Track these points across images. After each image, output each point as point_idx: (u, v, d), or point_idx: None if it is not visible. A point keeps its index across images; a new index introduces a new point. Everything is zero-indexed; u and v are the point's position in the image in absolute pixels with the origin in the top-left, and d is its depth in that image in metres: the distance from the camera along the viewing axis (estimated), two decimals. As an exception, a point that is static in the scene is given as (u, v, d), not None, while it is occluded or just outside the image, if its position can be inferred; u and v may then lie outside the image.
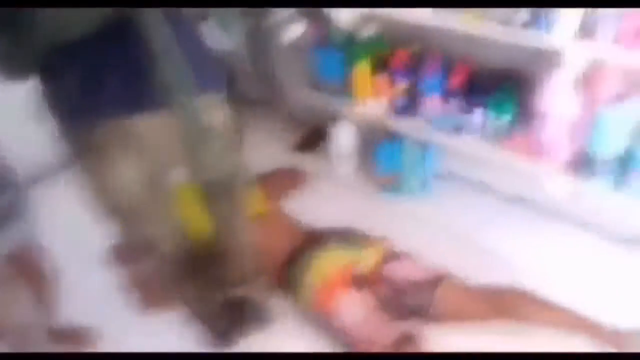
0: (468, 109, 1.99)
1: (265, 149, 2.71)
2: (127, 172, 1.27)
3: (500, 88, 1.95)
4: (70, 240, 2.13)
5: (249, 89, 2.81)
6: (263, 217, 2.05)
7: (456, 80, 1.96)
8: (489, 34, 1.76)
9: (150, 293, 1.96)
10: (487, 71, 2.03)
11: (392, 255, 1.97)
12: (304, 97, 2.53)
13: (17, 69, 1.15)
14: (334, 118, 2.53)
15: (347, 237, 2.06)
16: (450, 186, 2.44)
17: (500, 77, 1.99)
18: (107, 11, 1.10)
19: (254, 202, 1.82)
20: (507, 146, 1.95)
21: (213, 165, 1.43)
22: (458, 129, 2.05)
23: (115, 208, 1.35)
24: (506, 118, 1.92)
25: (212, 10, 2.30)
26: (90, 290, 2.02)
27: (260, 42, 2.62)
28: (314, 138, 2.79)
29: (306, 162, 2.70)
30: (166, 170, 1.40)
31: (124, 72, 1.18)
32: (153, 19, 1.13)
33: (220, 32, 2.40)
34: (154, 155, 1.29)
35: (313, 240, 2.06)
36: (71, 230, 2.14)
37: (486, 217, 2.26)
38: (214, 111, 1.36)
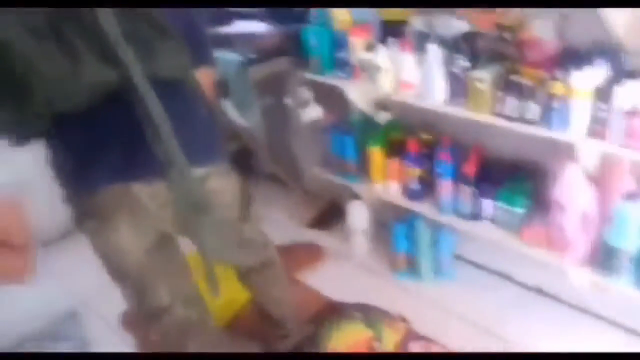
0: (479, 198, 1.96)
1: (281, 224, 2.72)
2: (128, 237, 1.27)
3: (512, 178, 1.93)
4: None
5: (266, 165, 2.85)
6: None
7: (468, 168, 1.95)
8: (500, 124, 1.76)
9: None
10: (499, 161, 2.02)
11: (412, 337, 1.95)
12: (319, 175, 2.55)
13: (16, 135, 1.15)
14: (349, 197, 2.53)
15: (369, 312, 2.05)
16: (468, 272, 2.38)
17: (512, 167, 1.97)
18: (108, 81, 1.12)
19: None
20: (523, 236, 1.91)
21: (215, 238, 1.41)
22: (472, 216, 2.03)
23: (119, 272, 1.34)
24: (518, 209, 1.89)
25: (231, 90, 2.38)
26: None
27: (278, 121, 2.68)
28: (329, 215, 2.80)
29: (322, 238, 2.70)
30: (172, 238, 1.39)
31: (124, 140, 1.19)
32: (149, 91, 1.14)
33: (238, 110, 2.48)
34: (156, 222, 1.30)
35: (334, 310, 2.06)
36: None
37: (505, 305, 2.18)
38: (214, 184, 1.36)
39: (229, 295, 1.89)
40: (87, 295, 2.47)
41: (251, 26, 2.47)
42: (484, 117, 1.78)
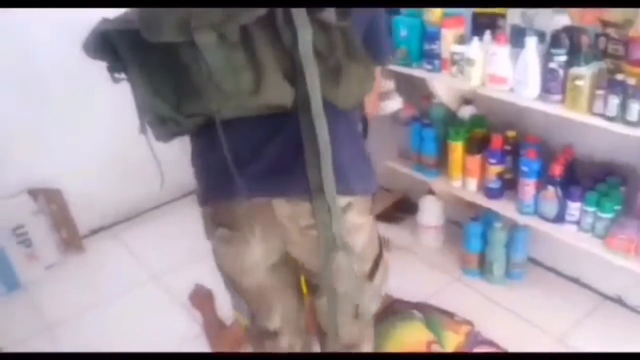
0: (566, 200, 1.91)
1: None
2: (258, 252, 1.22)
3: (603, 182, 1.87)
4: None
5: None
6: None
7: (556, 168, 1.90)
8: (596, 123, 1.70)
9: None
10: (590, 162, 1.95)
11: (477, 341, 1.91)
12: (394, 168, 2.54)
13: (167, 131, 1.10)
14: (421, 191, 2.51)
15: (430, 313, 2.02)
16: (542, 276, 2.32)
17: (604, 170, 1.91)
18: (285, 102, 1.04)
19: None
20: (610, 243, 1.84)
21: (342, 282, 1.26)
22: (556, 218, 1.97)
23: (239, 285, 1.30)
24: (607, 215, 1.82)
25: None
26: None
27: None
28: (399, 209, 2.78)
29: (390, 232, 2.68)
30: (294, 262, 1.31)
31: (276, 155, 1.12)
32: (322, 117, 1.05)
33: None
34: (288, 244, 1.23)
35: (395, 309, 2.04)
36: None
37: (579, 314, 2.11)
38: (354, 218, 1.21)
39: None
40: (160, 270, 2.58)
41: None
42: (580, 116, 1.73)
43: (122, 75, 1.05)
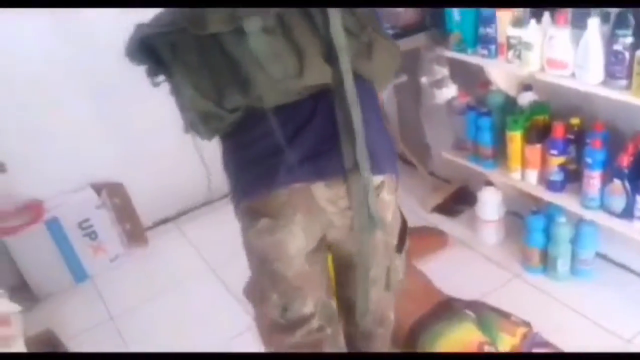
0: (635, 194, 1.75)
1: (406, 207, 2.65)
2: (299, 239, 1.22)
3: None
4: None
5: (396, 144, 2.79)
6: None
7: (623, 159, 1.74)
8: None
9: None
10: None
11: (535, 343, 1.80)
12: (450, 159, 2.44)
13: (213, 128, 1.16)
14: (480, 183, 2.40)
15: (484, 313, 1.92)
16: (609, 274, 2.16)
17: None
18: (324, 83, 1.10)
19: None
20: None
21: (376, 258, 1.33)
22: (624, 213, 1.82)
23: (276, 274, 1.29)
24: (682, 210, 1.66)
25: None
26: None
27: (411, 99, 2.60)
28: (457, 201, 2.68)
29: (447, 225, 2.59)
30: (326, 247, 1.33)
31: (313, 139, 1.16)
32: (355, 97, 1.10)
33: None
34: (327, 227, 1.25)
35: (447, 308, 1.96)
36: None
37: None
38: (385, 195, 1.27)
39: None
40: (216, 262, 2.62)
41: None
42: (649, 102, 1.58)
43: (161, 78, 1.12)
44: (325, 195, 1.19)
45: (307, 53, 1.05)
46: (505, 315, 1.93)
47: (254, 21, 1.01)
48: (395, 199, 1.33)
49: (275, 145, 1.13)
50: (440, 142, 2.59)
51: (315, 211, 1.20)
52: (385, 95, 2.50)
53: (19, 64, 2.40)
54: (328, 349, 1.39)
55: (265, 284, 1.31)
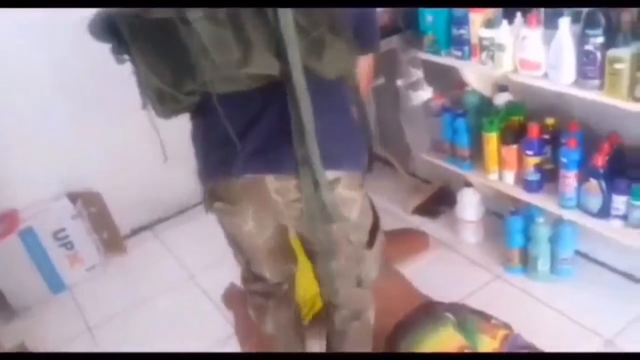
0: (610, 193, 1.75)
1: (387, 209, 2.64)
2: (251, 225, 1.35)
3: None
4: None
5: (374, 147, 2.77)
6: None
7: (598, 158, 1.74)
8: (637, 110, 1.54)
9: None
10: (637, 152, 1.78)
11: (516, 345, 1.79)
12: (429, 160, 2.43)
13: (166, 108, 1.20)
14: (459, 184, 2.39)
15: (464, 316, 1.91)
16: (589, 273, 2.15)
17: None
18: (271, 74, 1.12)
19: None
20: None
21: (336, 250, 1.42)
22: (600, 213, 1.81)
23: (236, 246, 1.49)
24: (657, 209, 1.66)
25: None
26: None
27: (388, 102, 2.58)
28: (438, 203, 2.67)
29: (427, 226, 2.58)
30: (286, 229, 1.46)
31: (266, 132, 1.21)
32: (305, 92, 1.12)
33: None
34: (280, 217, 1.35)
35: (427, 311, 1.95)
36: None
37: (632, 313, 1.95)
38: (343, 192, 1.30)
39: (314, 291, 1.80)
40: (195, 270, 2.59)
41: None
42: (620, 102, 1.57)
43: (126, 57, 1.15)
44: (275, 186, 1.26)
45: (254, 43, 1.07)
46: (486, 318, 1.91)
47: (197, 10, 1.03)
48: (361, 196, 1.38)
49: (233, 131, 1.19)
50: (419, 144, 2.57)
51: (267, 201, 1.29)
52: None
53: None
54: (284, 298, 1.63)
55: (233, 245, 1.50)
